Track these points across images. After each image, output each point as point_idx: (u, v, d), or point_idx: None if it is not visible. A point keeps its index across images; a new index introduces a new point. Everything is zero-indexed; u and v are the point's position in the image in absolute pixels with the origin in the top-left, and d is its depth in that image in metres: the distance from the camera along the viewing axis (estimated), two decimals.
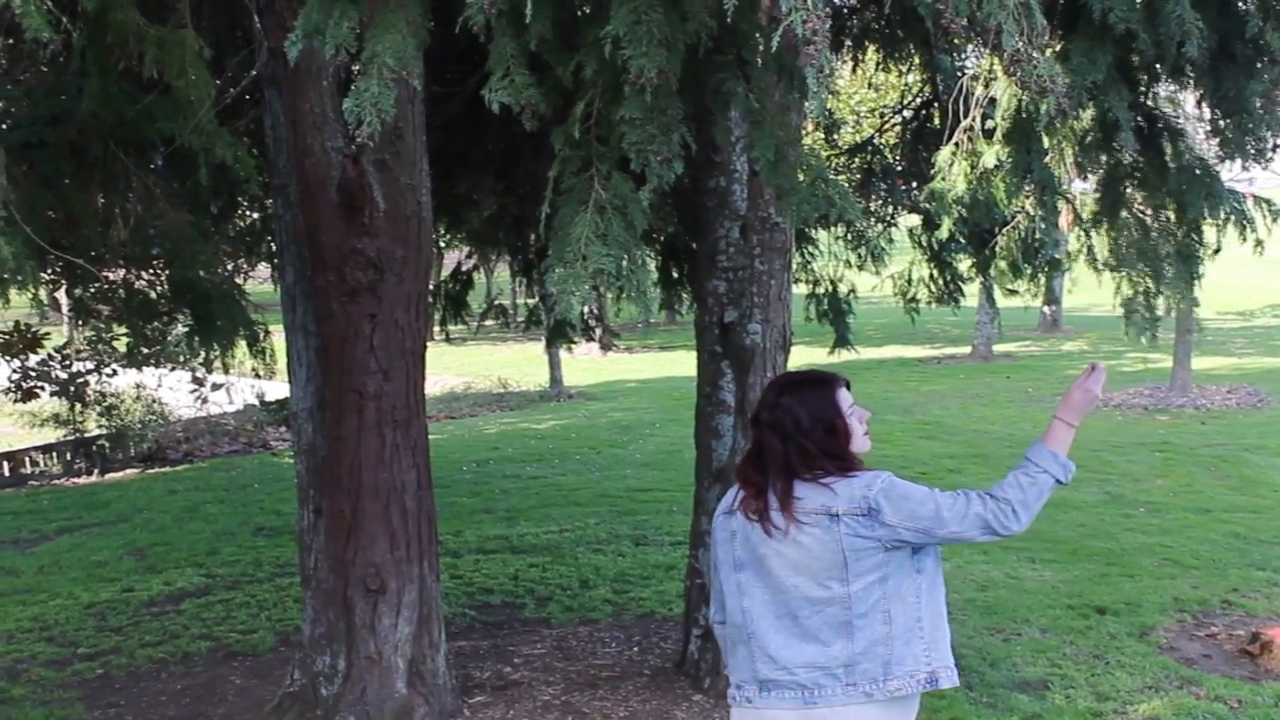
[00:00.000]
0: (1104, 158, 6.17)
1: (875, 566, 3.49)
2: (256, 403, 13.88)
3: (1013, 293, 9.03)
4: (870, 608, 3.50)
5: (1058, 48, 5.08)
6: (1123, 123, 5.09)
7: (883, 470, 3.58)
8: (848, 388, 3.71)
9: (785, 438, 3.56)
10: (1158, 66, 5.46)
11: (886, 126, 11.34)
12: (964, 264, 9.42)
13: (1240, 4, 5.24)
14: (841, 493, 3.48)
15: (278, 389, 12.61)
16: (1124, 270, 6.53)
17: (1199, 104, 5.91)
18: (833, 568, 3.48)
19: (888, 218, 10.34)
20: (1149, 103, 6.19)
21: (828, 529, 3.47)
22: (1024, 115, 5.49)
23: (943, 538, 3.56)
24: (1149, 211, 6.40)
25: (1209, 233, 6.62)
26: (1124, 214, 6.43)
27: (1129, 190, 6.40)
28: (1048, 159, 6.02)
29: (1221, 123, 5.69)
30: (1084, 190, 7.96)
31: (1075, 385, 3.79)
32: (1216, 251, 6.79)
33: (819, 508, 3.48)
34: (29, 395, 11.60)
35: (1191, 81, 5.54)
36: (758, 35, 4.04)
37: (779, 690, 3.55)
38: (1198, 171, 6.09)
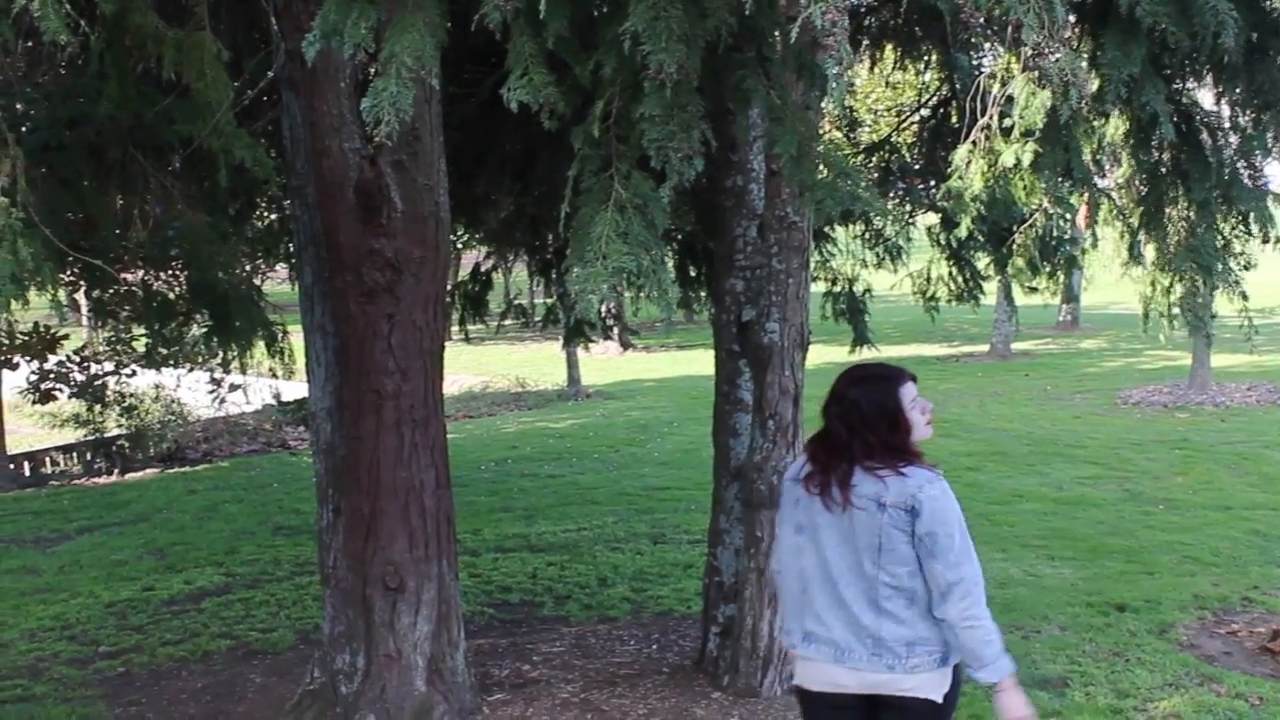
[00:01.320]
0: (1145, 157, 6.14)
1: (907, 557, 3.87)
2: (274, 403, 13.92)
3: (1032, 290, 9.01)
4: (895, 592, 3.88)
5: (1085, 44, 5.07)
6: (1162, 116, 5.06)
7: (938, 474, 3.94)
8: (913, 381, 4.07)
9: (851, 429, 3.94)
10: (1190, 61, 5.43)
11: (904, 125, 11.32)
12: (982, 262, 9.40)
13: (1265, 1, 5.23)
14: (893, 486, 3.86)
15: (294, 389, 12.64)
16: (1174, 270, 6.48)
17: (1218, 101, 5.89)
18: (869, 550, 3.89)
19: (905, 216, 10.32)
20: (1184, 99, 6.16)
21: (873, 515, 3.87)
22: (1056, 113, 5.48)
23: (930, 566, 3.87)
24: (1192, 210, 6.37)
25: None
26: (1170, 212, 6.40)
27: (1170, 189, 6.36)
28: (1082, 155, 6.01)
29: (1242, 119, 5.67)
30: (1105, 189, 7.93)
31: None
32: (1265, 241, 6.74)
33: (872, 495, 3.88)
34: (47, 397, 11.66)
35: (1223, 77, 5.52)
36: (776, 32, 4.03)
37: (817, 644, 3.99)
38: (1241, 166, 6.07)
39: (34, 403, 12.08)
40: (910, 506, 3.84)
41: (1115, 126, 5.91)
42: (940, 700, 4.05)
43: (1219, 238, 6.35)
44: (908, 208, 10.29)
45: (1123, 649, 7.40)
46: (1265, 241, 6.60)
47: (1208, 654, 7.34)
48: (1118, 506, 11.83)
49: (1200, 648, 7.46)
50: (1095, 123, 5.90)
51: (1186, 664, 7.11)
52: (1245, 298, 6.80)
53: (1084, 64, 4.98)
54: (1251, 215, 6.23)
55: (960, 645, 3.93)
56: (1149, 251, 6.75)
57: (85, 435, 17.54)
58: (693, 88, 3.66)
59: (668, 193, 3.75)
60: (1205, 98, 6.35)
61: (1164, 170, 6.25)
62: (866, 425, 3.93)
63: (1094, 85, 5.00)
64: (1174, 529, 10.72)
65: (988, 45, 8.53)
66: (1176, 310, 6.62)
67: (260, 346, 8.97)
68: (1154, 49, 5.01)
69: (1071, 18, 5.17)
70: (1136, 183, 6.51)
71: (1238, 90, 5.50)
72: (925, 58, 9.25)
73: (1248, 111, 5.69)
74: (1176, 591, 8.60)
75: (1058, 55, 3.43)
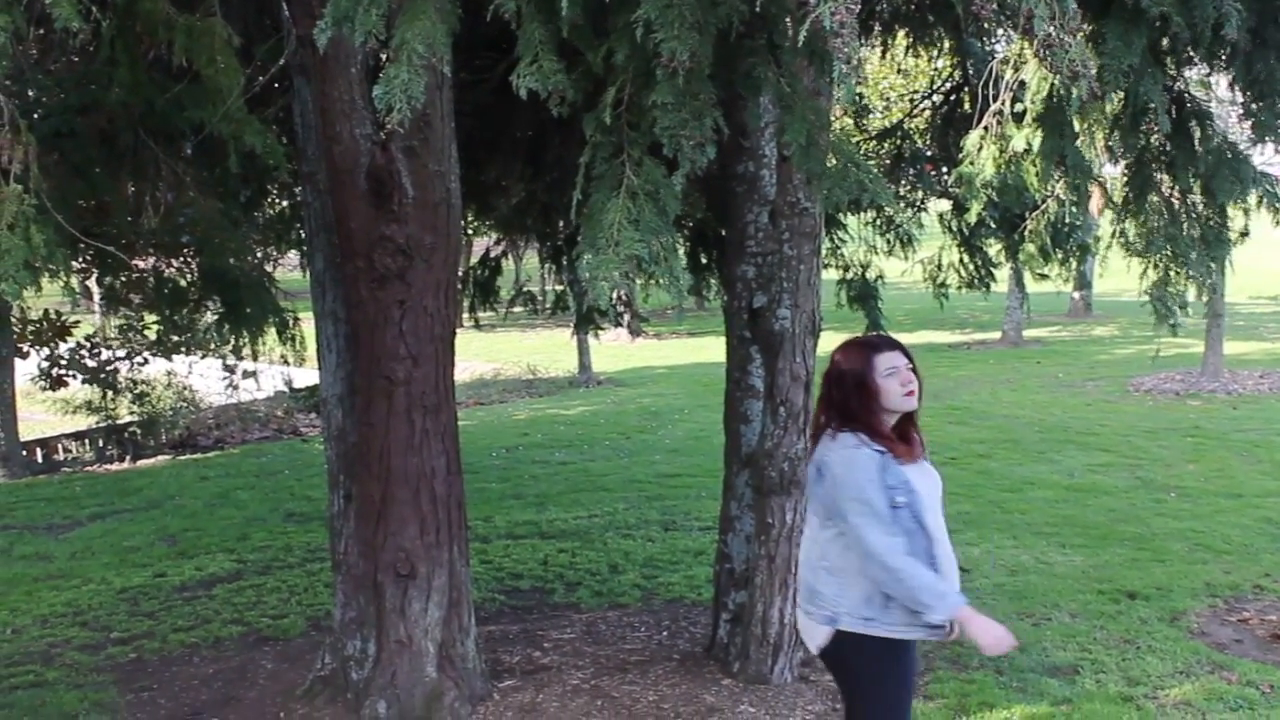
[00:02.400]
0: (1131, 141, 6.12)
1: (825, 514, 4.28)
2: (286, 389, 13.94)
3: (1043, 277, 8.99)
4: (820, 548, 4.32)
5: (1089, 31, 5.04)
6: (1157, 106, 5.05)
7: (863, 445, 4.19)
8: (898, 352, 4.26)
9: (828, 391, 4.32)
10: (1190, 50, 5.41)
11: (916, 111, 11.29)
12: (994, 248, 9.38)
13: None
14: (823, 448, 4.27)
15: (306, 375, 12.65)
16: (1150, 254, 6.48)
17: (1231, 87, 5.86)
18: (817, 512, 4.34)
19: (917, 202, 10.30)
20: (1178, 86, 6.14)
21: (818, 479, 4.27)
22: (1055, 100, 5.46)
23: (841, 528, 4.21)
24: (1177, 195, 6.35)
25: (1238, 217, 6.58)
26: (1153, 198, 6.38)
27: (1158, 174, 6.35)
28: (1079, 143, 5.98)
29: (1254, 106, 5.64)
30: (1114, 175, 7.91)
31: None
32: (1244, 235, 6.74)
33: (818, 458, 4.28)
34: (58, 383, 11.67)
35: (1224, 65, 5.50)
36: (788, 20, 4.02)
37: (803, 607, 4.43)
38: (1227, 155, 6.04)
39: (45, 389, 12.09)
40: (819, 469, 4.26)
41: (1108, 110, 5.87)
42: (815, 652, 4.43)
43: (1197, 227, 6.33)
44: (919, 194, 10.27)
45: (1133, 636, 7.39)
46: (1244, 236, 6.60)
47: (1219, 642, 7.34)
48: (1129, 494, 11.81)
49: (1211, 635, 7.46)
50: (1103, 109, 5.87)
51: (1197, 652, 7.11)
52: (1214, 291, 6.77)
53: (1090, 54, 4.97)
54: (1235, 201, 6.20)
55: (901, 602, 4.17)
56: (1129, 236, 6.74)
57: (97, 422, 17.60)
58: (704, 75, 3.66)
59: (680, 180, 3.75)
60: (1216, 85, 6.32)
61: (1151, 156, 6.23)
62: (840, 387, 4.27)
63: (1094, 71, 4.99)
64: (1185, 516, 10.71)
65: (1000, 31, 8.49)
66: (1150, 296, 6.58)
67: (271, 333, 8.99)
68: (1154, 37, 4.98)
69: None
70: (1122, 167, 6.49)
71: (1246, 79, 5.47)
72: (937, 44, 9.22)
73: (1258, 97, 5.66)
74: (1188, 579, 8.59)
75: (1068, 45, 3.41)
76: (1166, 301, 6.51)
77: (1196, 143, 6.07)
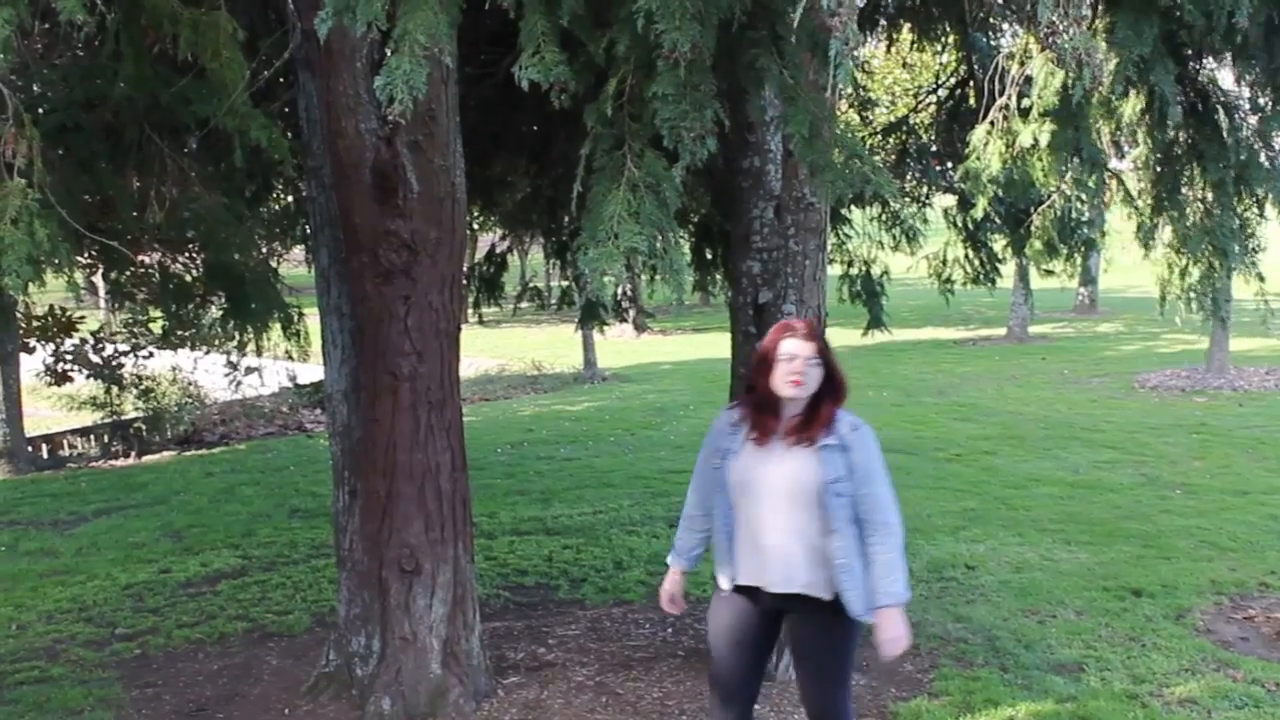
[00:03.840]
0: (1157, 135, 6.10)
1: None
2: (290, 385, 13.95)
3: (1049, 273, 8.97)
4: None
5: (1100, 25, 5.03)
6: (1169, 97, 5.03)
7: (725, 412, 4.74)
8: (816, 347, 4.50)
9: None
10: (1205, 41, 5.39)
11: (921, 106, 11.27)
12: (999, 244, 9.36)
13: None
14: None
15: (310, 371, 12.66)
16: (1189, 252, 6.43)
17: (1238, 81, 5.84)
18: None
19: (922, 198, 10.28)
20: (1200, 79, 6.11)
21: None
22: (1069, 93, 5.45)
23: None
24: (1207, 191, 6.32)
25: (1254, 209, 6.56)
26: (1184, 194, 6.35)
27: (1185, 170, 6.31)
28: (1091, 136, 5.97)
29: (1262, 99, 5.62)
30: (1120, 169, 7.88)
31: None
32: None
33: None
34: (63, 378, 11.69)
35: (1239, 56, 5.47)
36: (790, 10, 4.01)
37: None
38: (1257, 147, 6.03)
39: (50, 384, 12.11)
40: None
41: (1131, 105, 5.85)
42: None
43: (1235, 219, 6.30)
44: (924, 189, 10.26)
45: (1139, 634, 7.38)
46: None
47: (1224, 639, 7.32)
48: (1134, 491, 11.79)
49: (1217, 633, 7.44)
50: (1115, 103, 5.85)
51: (1203, 649, 7.09)
52: (1262, 279, 6.76)
53: (1100, 44, 4.94)
54: (1270, 196, 6.17)
55: None
56: (1165, 233, 6.70)
57: (102, 418, 17.60)
58: (706, 67, 3.65)
59: (680, 172, 3.73)
60: (1225, 77, 6.29)
61: (1178, 150, 6.20)
62: (752, 361, 4.68)
63: (1111, 64, 4.97)
64: (1191, 514, 10.69)
65: (1006, 25, 8.47)
66: (1193, 294, 6.56)
67: (276, 328, 8.98)
68: (1170, 27, 4.96)
69: None
70: (1151, 163, 6.45)
71: (1256, 70, 5.45)
72: (943, 38, 9.20)
73: (1267, 91, 5.64)
74: (1193, 576, 8.57)
75: (1073, 34, 3.40)
76: (1216, 297, 6.49)
77: (1225, 135, 6.04)
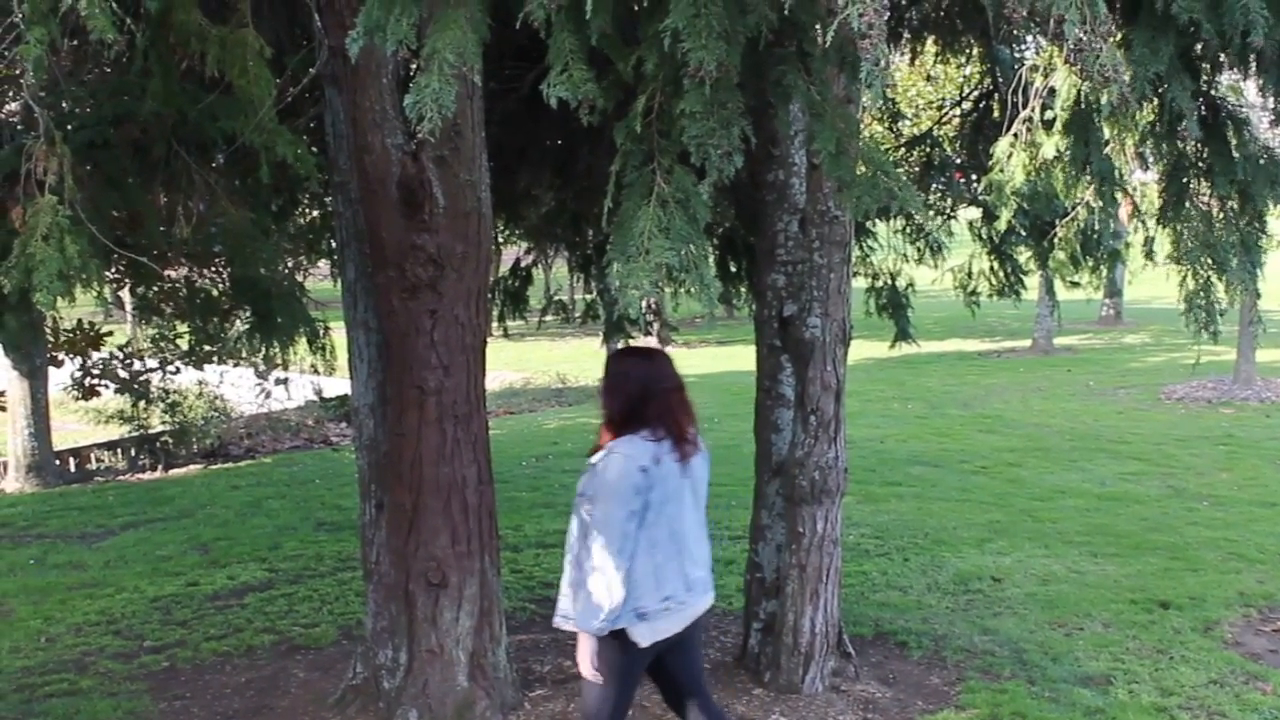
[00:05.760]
0: (1166, 148, 6.09)
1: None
2: (316, 399, 14.00)
3: (1074, 285, 8.95)
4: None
5: (1119, 37, 5.02)
6: (1186, 113, 5.03)
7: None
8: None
9: (684, 397, 4.88)
10: (1221, 56, 5.38)
11: (945, 119, 11.27)
12: (1024, 256, 9.35)
13: None
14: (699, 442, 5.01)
15: (336, 385, 12.70)
16: (1187, 263, 6.43)
17: (1261, 92, 5.83)
18: (703, 492, 5.03)
19: (947, 210, 10.28)
20: (1212, 92, 6.11)
21: (701, 463, 5.01)
22: (1083, 106, 5.44)
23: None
24: (1213, 203, 6.31)
25: (1272, 224, 6.54)
26: (1188, 206, 6.34)
27: (1193, 182, 6.31)
28: (1108, 150, 5.95)
29: None
30: (1144, 181, 7.87)
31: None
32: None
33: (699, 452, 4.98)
34: (91, 392, 11.75)
35: (1256, 71, 5.46)
36: (817, 27, 4.02)
37: (691, 589, 4.89)
38: (1263, 161, 6.01)
39: (78, 398, 12.17)
40: (702, 460, 4.94)
41: (1145, 118, 5.85)
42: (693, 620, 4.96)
43: (1235, 232, 6.29)
44: (949, 202, 10.25)
45: (1166, 646, 7.36)
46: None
47: (1253, 651, 7.30)
48: (1161, 503, 11.76)
49: (1245, 645, 7.42)
50: (1133, 116, 5.85)
51: (1231, 662, 7.07)
52: (1259, 295, 6.74)
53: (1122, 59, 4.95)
54: (1272, 208, 6.17)
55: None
56: (1167, 245, 6.70)
57: (129, 432, 17.70)
58: (732, 84, 3.66)
59: (708, 188, 3.75)
60: (1247, 87, 6.28)
61: (1187, 164, 6.20)
62: (680, 393, 4.83)
63: (1127, 78, 4.97)
64: (1218, 525, 10.65)
65: (1030, 38, 8.46)
66: (1185, 305, 6.54)
67: (302, 342, 9.02)
68: (1186, 43, 4.96)
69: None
70: (1162, 175, 6.45)
71: (1275, 84, 5.43)
72: (967, 51, 9.20)
73: None
74: (1221, 589, 8.54)
75: (1099, 50, 3.40)
76: (1207, 309, 6.47)
77: (1234, 149, 6.03)
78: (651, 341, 30.44)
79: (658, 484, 4.60)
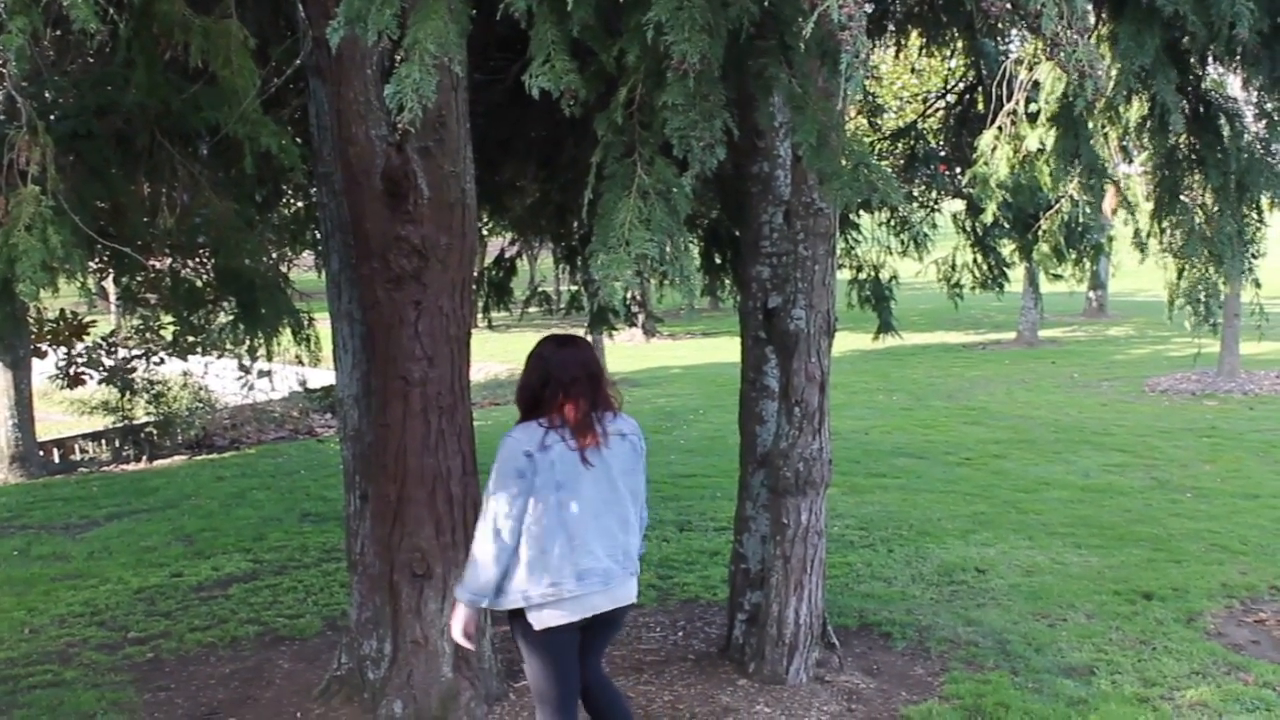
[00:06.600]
0: (1160, 143, 6.10)
1: (641, 480, 5.19)
2: (301, 390, 13.99)
3: (1057, 277, 8.98)
4: (632, 510, 5.08)
5: (1104, 31, 5.03)
6: (1170, 106, 5.04)
7: None
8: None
9: (595, 384, 4.89)
10: (1208, 49, 5.40)
11: (929, 111, 11.29)
12: (1008, 249, 9.37)
13: None
14: (627, 424, 5.12)
15: (321, 376, 12.70)
16: (1185, 257, 6.45)
17: (1245, 86, 5.85)
18: (623, 475, 4.98)
19: (931, 203, 10.30)
20: (1203, 86, 6.12)
21: (623, 447, 5.02)
22: (1070, 100, 5.46)
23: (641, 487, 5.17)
24: (1207, 196, 6.33)
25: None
26: (1183, 199, 6.36)
27: (1186, 175, 6.32)
28: (1093, 143, 5.97)
29: (1268, 105, 5.63)
30: (1129, 174, 7.89)
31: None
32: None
33: (615, 430, 4.96)
34: (75, 382, 11.72)
35: (1240, 64, 5.48)
36: (799, 20, 4.03)
37: (589, 578, 4.76)
38: (1258, 152, 6.03)
39: (63, 387, 12.14)
40: (638, 437, 5.06)
41: (1134, 112, 5.86)
42: (622, 605, 4.99)
43: (1233, 225, 6.31)
44: (933, 194, 10.27)
45: (1149, 637, 7.39)
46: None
47: (1235, 643, 7.33)
48: (1145, 494, 11.80)
49: (1228, 636, 7.44)
50: (1120, 110, 5.86)
51: (1214, 653, 7.10)
52: (1258, 285, 6.77)
53: (1103, 53, 4.96)
54: (1273, 202, 6.18)
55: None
56: (1164, 238, 6.71)
57: (114, 422, 17.68)
58: (715, 77, 3.66)
59: (690, 180, 3.75)
60: (1232, 81, 6.30)
61: (1180, 156, 6.21)
62: (602, 378, 4.91)
63: (1113, 71, 4.98)
64: (1202, 517, 10.69)
65: (1014, 31, 8.48)
66: (1188, 298, 6.56)
67: (287, 333, 9.00)
68: (1172, 35, 4.97)
69: (1089, 4, 5.13)
70: (1154, 168, 6.47)
71: (1260, 78, 5.45)
72: (951, 44, 9.21)
73: (1274, 95, 5.64)
74: (1204, 580, 8.58)
75: (1076, 45, 3.41)
76: (1205, 301, 6.49)
77: (1225, 141, 6.05)
78: (635, 333, 30.52)
79: (543, 470, 4.62)
